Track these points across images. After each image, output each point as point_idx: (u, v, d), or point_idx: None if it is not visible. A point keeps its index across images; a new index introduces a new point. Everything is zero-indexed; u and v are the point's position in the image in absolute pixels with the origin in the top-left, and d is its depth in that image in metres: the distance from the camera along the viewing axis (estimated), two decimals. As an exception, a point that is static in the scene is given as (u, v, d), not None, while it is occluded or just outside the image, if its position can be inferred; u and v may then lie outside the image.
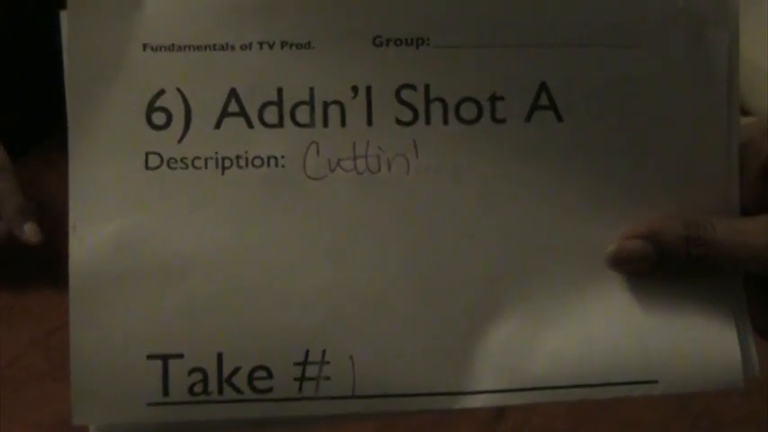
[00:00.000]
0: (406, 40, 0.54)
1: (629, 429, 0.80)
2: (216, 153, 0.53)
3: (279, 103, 0.54)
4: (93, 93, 0.54)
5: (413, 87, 0.54)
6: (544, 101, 0.54)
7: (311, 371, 0.54)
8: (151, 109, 0.53)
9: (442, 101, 0.54)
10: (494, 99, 0.54)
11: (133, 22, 0.53)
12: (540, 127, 0.54)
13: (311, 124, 0.54)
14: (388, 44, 0.54)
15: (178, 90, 0.53)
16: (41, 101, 1.11)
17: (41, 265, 0.93)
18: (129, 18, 0.54)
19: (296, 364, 0.54)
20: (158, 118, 0.53)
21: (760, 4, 1.02)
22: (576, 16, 0.54)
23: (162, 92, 0.53)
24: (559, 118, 0.54)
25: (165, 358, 0.53)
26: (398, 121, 0.54)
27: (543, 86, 0.54)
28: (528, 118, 0.54)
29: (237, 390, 0.54)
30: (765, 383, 0.80)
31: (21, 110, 1.07)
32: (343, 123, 0.54)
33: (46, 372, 0.84)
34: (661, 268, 0.54)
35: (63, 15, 0.53)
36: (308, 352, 0.54)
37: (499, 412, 0.80)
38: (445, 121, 0.54)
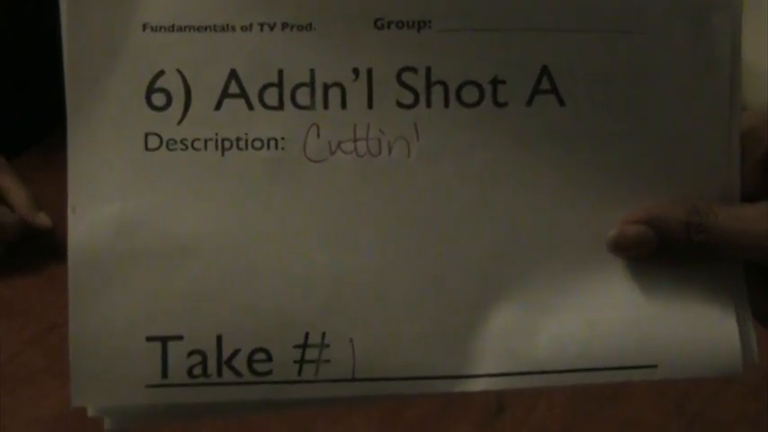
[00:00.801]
0: (408, 22, 0.54)
1: (626, 428, 0.80)
2: (216, 134, 0.53)
3: (279, 85, 0.53)
4: (92, 73, 0.53)
5: (414, 70, 0.54)
6: (546, 85, 0.54)
7: (311, 353, 0.54)
8: (151, 90, 0.53)
9: (444, 84, 0.54)
10: (495, 82, 0.54)
11: (132, 1, 0.53)
12: (541, 111, 0.54)
13: (311, 106, 0.54)
14: (389, 26, 0.54)
15: (178, 71, 0.53)
16: (39, 101, 1.11)
17: (40, 262, 0.93)
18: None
19: (295, 346, 0.54)
20: (158, 99, 0.53)
21: (759, 5, 1.02)
22: (579, 1, 0.54)
23: (161, 72, 0.53)
24: (561, 102, 0.54)
25: (164, 340, 0.53)
26: (399, 104, 0.54)
27: (545, 70, 0.54)
28: (529, 102, 0.54)
29: (237, 372, 0.54)
30: (762, 384, 0.81)
31: (18, 110, 1.08)
32: (344, 105, 0.54)
33: (44, 369, 0.84)
34: (662, 254, 0.54)
35: None
36: (307, 334, 0.54)
37: (499, 408, 0.80)
38: (446, 104, 0.54)
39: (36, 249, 0.94)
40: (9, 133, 0.95)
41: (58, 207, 0.91)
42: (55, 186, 0.98)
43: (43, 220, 0.92)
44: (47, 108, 1.10)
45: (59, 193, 0.96)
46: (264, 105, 0.54)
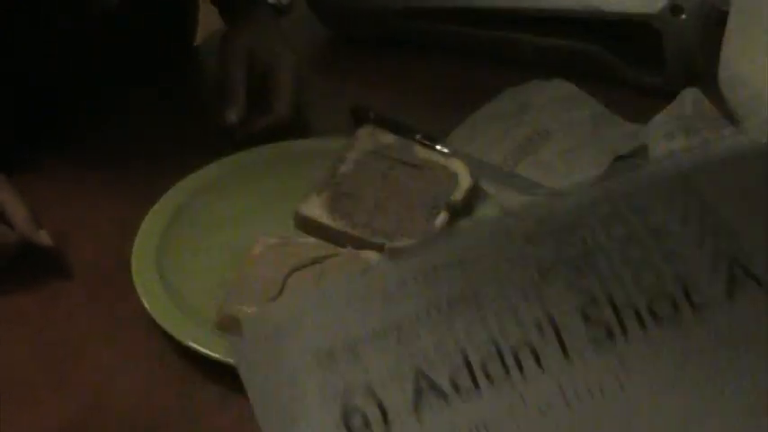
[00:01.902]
0: (573, 258, 0.50)
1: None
2: None
3: (468, 366, 0.50)
4: (286, 416, 0.51)
5: (596, 302, 0.49)
6: (739, 272, 0.49)
7: None
8: (346, 415, 0.50)
9: (631, 306, 0.49)
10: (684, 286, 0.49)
11: (299, 337, 0.51)
12: (744, 302, 0.49)
13: (507, 376, 0.49)
14: (555, 268, 0.50)
15: (366, 388, 0.50)
16: (30, 114, 1.12)
17: (40, 274, 0.94)
18: (298, 333, 0.52)
19: None
20: (356, 420, 0.50)
21: (760, 23, 1.03)
22: None
23: (351, 393, 0.51)
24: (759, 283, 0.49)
25: None
26: (595, 342, 0.49)
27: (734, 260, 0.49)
28: (729, 294, 0.49)
29: None
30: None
31: (10, 122, 1.08)
32: (539, 365, 0.49)
33: (42, 383, 0.84)
34: None
35: (235, 350, 0.52)
36: None
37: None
38: (642, 326, 0.49)
39: (36, 265, 0.94)
40: (6, 148, 0.96)
41: (56, 222, 0.91)
42: (53, 201, 1.00)
43: (43, 238, 0.92)
44: (35, 121, 1.11)
45: (49, 204, 0.97)
46: (457, 390, 0.50)
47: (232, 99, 1.08)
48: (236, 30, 1.14)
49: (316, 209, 0.97)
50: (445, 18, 1.22)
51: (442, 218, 0.95)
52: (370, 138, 1.04)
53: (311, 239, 0.94)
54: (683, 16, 1.11)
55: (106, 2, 1.07)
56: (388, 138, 1.04)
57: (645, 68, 1.16)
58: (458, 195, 0.97)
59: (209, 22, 1.41)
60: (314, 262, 0.91)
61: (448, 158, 1.01)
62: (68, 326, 0.89)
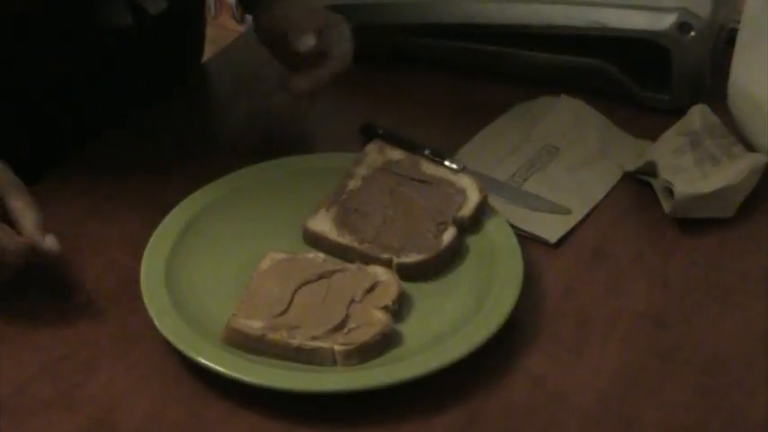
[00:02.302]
0: None
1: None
2: None
3: None
4: None
5: None
6: None
7: None
8: None
9: None
10: None
11: None
12: None
13: None
14: None
15: None
16: (41, 131, 1.12)
17: (49, 293, 0.94)
18: None
19: None
20: None
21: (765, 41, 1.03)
22: None
23: None
24: None
25: None
26: None
27: None
28: None
29: None
30: None
31: (25, 143, 1.08)
32: None
33: (52, 400, 0.84)
34: None
35: None
36: None
37: None
38: None
39: (46, 282, 0.94)
40: (18, 164, 0.96)
41: (65, 239, 0.91)
42: (62, 218, 1.00)
43: (52, 244, 0.89)
44: (49, 142, 1.12)
45: (67, 226, 0.97)
46: None
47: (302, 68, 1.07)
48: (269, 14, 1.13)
49: (324, 224, 0.97)
50: (454, 34, 1.22)
51: (450, 233, 0.95)
52: (378, 154, 1.04)
53: (320, 255, 0.95)
54: (692, 34, 1.11)
55: (121, 19, 1.07)
56: (397, 154, 1.04)
57: (652, 85, 1.16)
58: (466, 211, 0.97)
59: (215, 38, 1.42)
60: (321, 277, 0.91)
61: (456, 174, 1.01)
62: (78, 342, 0.89)
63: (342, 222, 0.97)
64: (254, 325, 0.86)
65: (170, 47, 1.24)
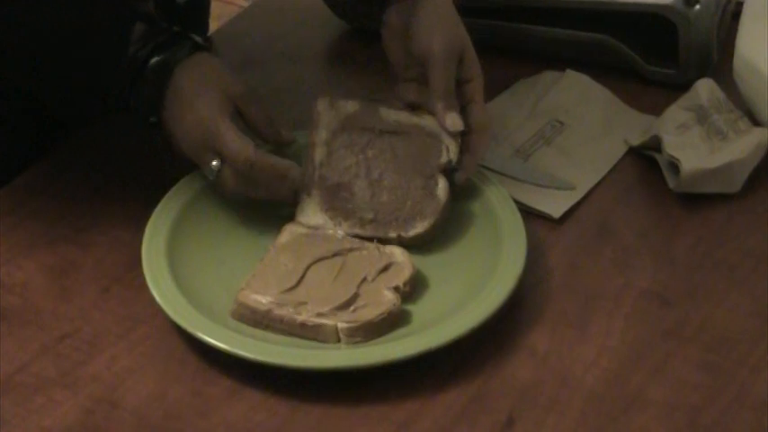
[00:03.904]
0: None
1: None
2: None
3: None
4: None
5: None
6: None
7: None
8: None
9: None
10: None
11: None
12: None
13: None
14: None
15: None
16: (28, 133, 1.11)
17: (50, 272, 0.93)
18: None
19: None
20: None
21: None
22: None
23: None
24: None
25: None
26: None
27: None
28: None
29: None
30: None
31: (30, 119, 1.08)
32: None
33: (55, 379, 0.84)
34: None
35: None
36: None
37: (509, 421, 0.80)
38: None
39: (49, 261, 0.94)
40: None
41: (69, 220, 0.91)
42: (66, 200, 0.99)
43: (285, 136, 0.99)
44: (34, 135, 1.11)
45: (70, 207, 0.97)
46: None
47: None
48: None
49: (316, 217, 0.95)
50: (458, 10, 1.21)
51: (441, 187, 0.94)
52: (332, 110, 0.98)
53: (339, 231, 0.94)
54: (697, 7, 1.10)
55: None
56: (349, 105, 0.98)
57: (658, 60, 1.15)
58: (447, 156, 0.95)
59: (219, 14, 1.41)
60: (336, 254, 0.91)
61: (420, 116, 0.97)
62: (81, 322, 0.89)
63: (332, 207, 0.95)
64: (262, 300, 0.86)
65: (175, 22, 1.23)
